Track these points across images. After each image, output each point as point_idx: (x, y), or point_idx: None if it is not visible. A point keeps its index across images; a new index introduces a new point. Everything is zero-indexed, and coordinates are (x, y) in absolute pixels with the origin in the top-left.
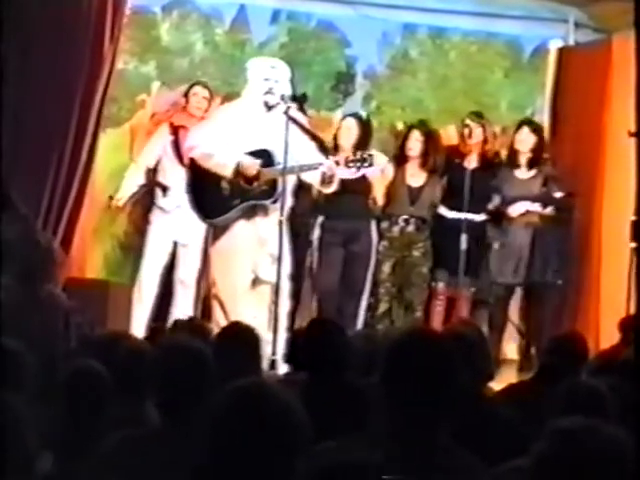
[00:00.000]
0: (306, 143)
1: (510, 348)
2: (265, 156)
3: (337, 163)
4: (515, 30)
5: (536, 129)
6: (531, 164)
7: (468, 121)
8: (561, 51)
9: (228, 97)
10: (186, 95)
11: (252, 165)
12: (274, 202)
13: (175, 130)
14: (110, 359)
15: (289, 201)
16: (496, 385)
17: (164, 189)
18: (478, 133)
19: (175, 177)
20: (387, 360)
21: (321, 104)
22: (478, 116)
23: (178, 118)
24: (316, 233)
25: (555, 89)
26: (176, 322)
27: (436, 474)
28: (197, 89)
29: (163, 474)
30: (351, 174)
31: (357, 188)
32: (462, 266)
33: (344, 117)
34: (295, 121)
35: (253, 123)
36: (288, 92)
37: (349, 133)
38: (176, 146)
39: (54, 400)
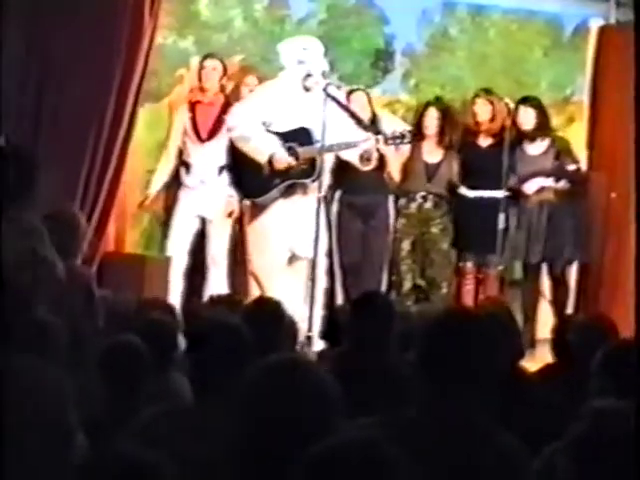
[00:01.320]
0: (345, 120)
1: (543, 327)
2: (304, 134)
3: (377, 141)
4: (555, 8)
5: (533, 105)
6: (539, 138)
7: (478, 99)
8: (602, 30)
9: (267, 73)
10: (199, 70)
11: (284, 159)
12: (314, 181)
13: (192, 107)
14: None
15: (327, 179)
16: (531, 365)
17: (187, 167)
18: (486, 110)
19: (196, 154)
20: (426, 338)
21: (360, 81)
22: (487, 93)
23: (194, 94)
24: (335, 208)
25: (595, 68)
26: (211, 297)
27: (473, 453)
28: (205, 62)
29: (197, 449)
30: (392, 151)
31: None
32: (499, 245)
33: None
34: (333, 98)
35: (292, 102)
36: (325, 69)
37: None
38: (194, 122)
39: (89, 374)
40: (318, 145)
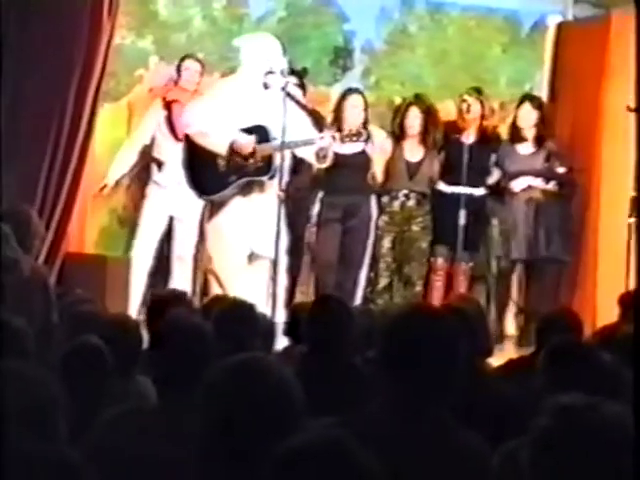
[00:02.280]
0: (302, 119)
1: (510, 323)
2: (261, 132)
3: (333, 138)
4: (514, 5)
5: (538, 105)
6: (534, 140)
7: (466, 96)
8: (560, 26)
9: (225, 72)
10: (178, 69)
11: (247, 143)
12: (270, 178)
13: (168, 105)
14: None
15: (286, 177)
16: (497, 360)
17: (159, 164)
18: (476, 109)
19: (170, 152)
20: (387, 336)
21: (319, 79)
22: (477, 91)
23: (171, 93)
24: (316, 208)
25: (554, 64)
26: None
27: (436, 450)
28: (188, 63)
29: (160, 449)
30: (350, 149)
31: (357, 163)
32: (461, 241)
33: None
34: (291, 97)
35: (249, 99)
36: (283, 67)
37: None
38: (169, 121)
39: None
40: (276, 142)
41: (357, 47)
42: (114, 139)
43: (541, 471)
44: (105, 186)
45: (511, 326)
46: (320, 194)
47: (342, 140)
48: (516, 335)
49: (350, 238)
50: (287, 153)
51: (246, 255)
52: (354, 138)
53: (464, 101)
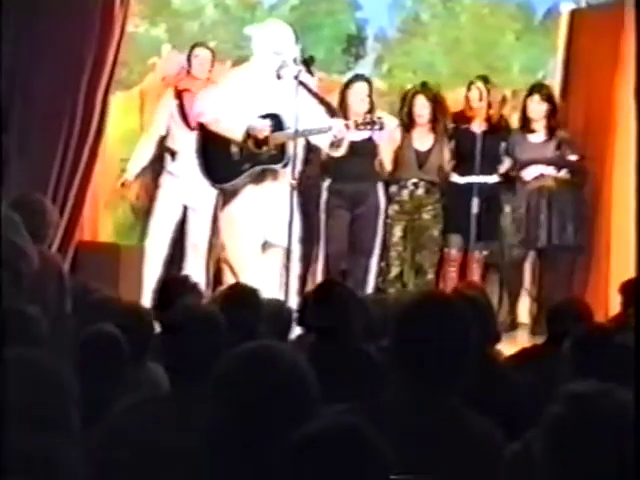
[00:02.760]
0: (315, 107)
1: (523, 311)
2: (274, 120)
3: (347, 127)
4: None
5: (547, 96)
6: (545, 130)
7: (474, 85)
8: (573, 13)
9: (238, 60)
10: (189, 58)
11: (263, 127)
12: (284, 166)
13: (179, 94)
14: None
15: (299, 165)
16: (510, 348)
17: (173, 154)
18: (483, 97)
19: (183, 141)
20: (399, 323)
21: (332, 67)
22: (484, 80)
23: (182, 82)
24: (323, 196)
25: (567, 52)
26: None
27: (448, 437)
28: (198, 51)
29: (173, 437)
30: (357, 136)
31: (364, 151)
32: (474, 230)
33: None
34: (304, 85)
35: (262, 88)
36: (296, 55)
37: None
38: (182, 110)
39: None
40: (289, 130)
41: (370, 35)
42: (127, 127)
43: (554, 459)
44: (125, 181)
45: (524, 314)
46: (327, 182)
47: (357, 128)
48: (529, 323)
49: (359, 226)
50: (300, 142)
51: (259, 244)
52: (369, 126)
53: (471, 90)
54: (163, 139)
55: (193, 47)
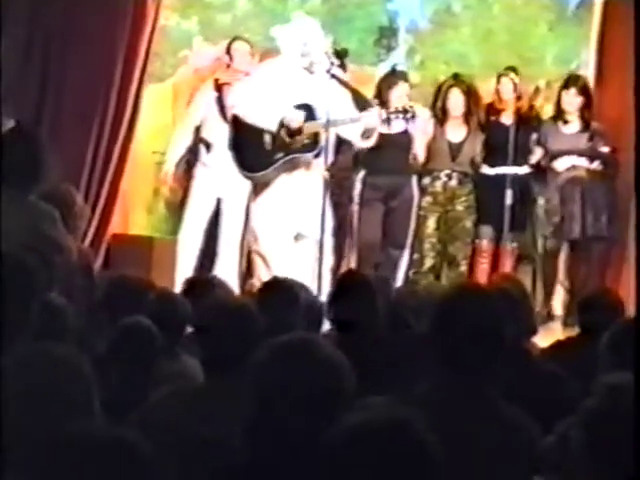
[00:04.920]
0: (347, 98)
1: (558, 303)
2: (307, 111)
3: (380, 116)
4: None
5: (583, 88)
6: (579, 121)
7: (503, 77)
8: (606, 3)
9: (269, 52)
10: (228, 52)
11: (296, 118)
12: (316, 156)
13: (219, 87)
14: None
15: (331, 156)
16: (545, 340)
17: (208, 146)
18: (512, 89)
19: (219, 134)
20: (437, 314)
21: (364, 59)
22: (513, 71)
23: (223, 75)
24: (357, 188)
25: (600, 42)
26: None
27: (485, 428)
28: (238, 45)
29: (209, 429)
30: (395, 127)
31: (399, 143)
32: (507, 221)
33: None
34: (336, 77)
35: (295, 79)
36: (327, 49)
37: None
38: (220, 103)
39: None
40: (321, 120)
41: (401, 26)
42: (159, 120)
43: (590, 450)
44: (166, 174)
45: (558, 306)
46: (361, 174)
47: (389, 116)
48: (562, 315)
49: (392, 219)
50: (332, 133)
51: (292, 235)
52: (400, 115)
53: (500, 82)
54: (198, 130)
55: (232, 41)
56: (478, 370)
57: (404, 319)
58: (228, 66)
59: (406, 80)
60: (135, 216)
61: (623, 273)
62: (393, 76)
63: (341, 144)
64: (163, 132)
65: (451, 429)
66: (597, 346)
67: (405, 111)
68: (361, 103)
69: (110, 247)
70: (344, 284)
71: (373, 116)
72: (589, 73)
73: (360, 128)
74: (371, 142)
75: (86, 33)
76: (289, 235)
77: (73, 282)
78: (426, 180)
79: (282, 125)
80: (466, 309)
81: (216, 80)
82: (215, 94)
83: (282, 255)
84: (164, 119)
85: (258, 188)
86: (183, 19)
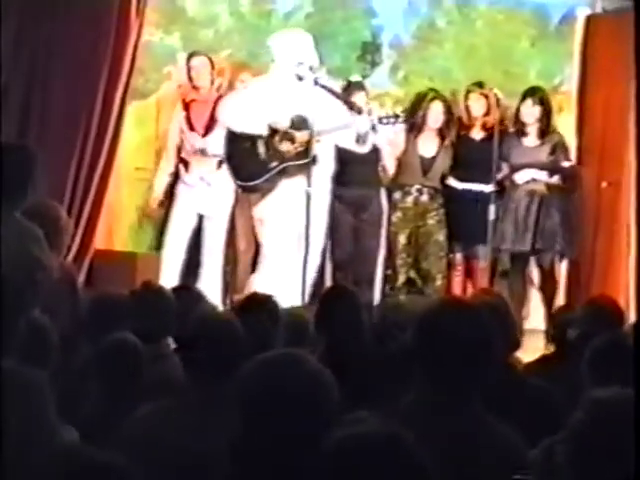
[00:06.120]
0: (337, 106)
1: (536, 318)
2: (299, 120)
3: (370, 122)
4: None
5: (540, 99)
6: (538, 133)
7: (471, 93)
8: (588, 19)
9: (254, 68)
10: (187, 71)
11: (282, 120)
12: (313, 161)
13: (187, 106)
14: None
15: (333, 164)
16: (521, 355)
17: (186, 164)
18: (481, 104)
19: (194, 151)
20: (421, 328)
21: (348, 74)
22: (479, 86)
23: (190, 94)
24: (326, 200)
25: (583, 57)
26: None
27: (470, 443)
28: (193, 62)
29: (194, 444)
30: (364, 147)
31: (366, 156)
32: (490, 236)
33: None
34: (325, 87)
35: (285, 93)
36: (315, 62)
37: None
38: (189, 121)
39: (87, 371)
40: (313, 128)
41: (385, 42)
42: (143, 136)
43: (576, 464)
44: (157, 199)
45: (537, 320)
46: (329, 186)
47: (380, 121)
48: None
49: (363, 232)
50: (328, 142)
51: (295, 240)
52: (392, 120)
53: (468, 98)
54: (179, 149)
55: (188, 58)
56: (466, 385)
57: (389, 333)
58: (193, 86)
59: (363, 89)
60: (118, 232)
61: (608, 288)
62: (349, 88)
63: (341, 153)
64: (147, 148)
65: (436, 444)
66: (575, 362)
67: (396, 116)
68: (354, 110)
69: (94, 262)
70: (329, 298)
71: (364, 121)
72: (572, 87)
73: (353, 134)
74: (366, 148)
75: (70, 49)
76: (292, 240)
77: (56, 300)
78: (397, 195)
79: (273, 132)
80: (454, 322)
81: (183, 100)
82: (184, 114)
83: (287, 260)
84: (148, 135)
85: (256, 196)
86: (166, 35)
